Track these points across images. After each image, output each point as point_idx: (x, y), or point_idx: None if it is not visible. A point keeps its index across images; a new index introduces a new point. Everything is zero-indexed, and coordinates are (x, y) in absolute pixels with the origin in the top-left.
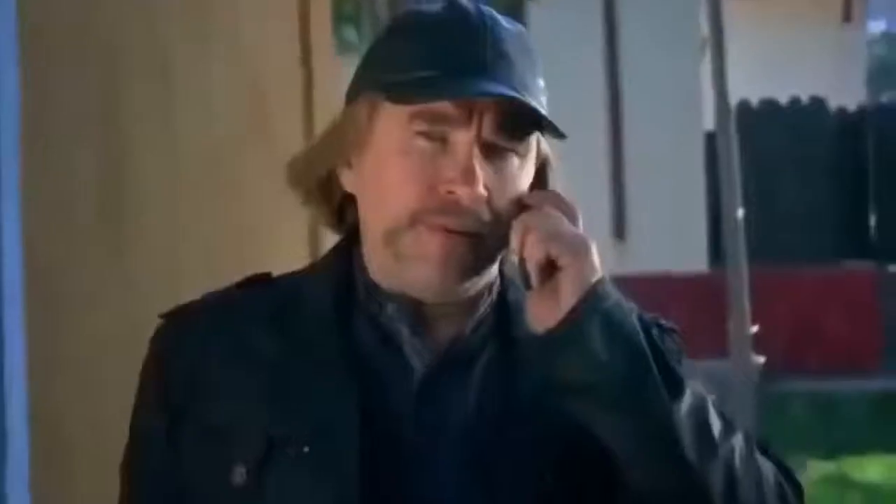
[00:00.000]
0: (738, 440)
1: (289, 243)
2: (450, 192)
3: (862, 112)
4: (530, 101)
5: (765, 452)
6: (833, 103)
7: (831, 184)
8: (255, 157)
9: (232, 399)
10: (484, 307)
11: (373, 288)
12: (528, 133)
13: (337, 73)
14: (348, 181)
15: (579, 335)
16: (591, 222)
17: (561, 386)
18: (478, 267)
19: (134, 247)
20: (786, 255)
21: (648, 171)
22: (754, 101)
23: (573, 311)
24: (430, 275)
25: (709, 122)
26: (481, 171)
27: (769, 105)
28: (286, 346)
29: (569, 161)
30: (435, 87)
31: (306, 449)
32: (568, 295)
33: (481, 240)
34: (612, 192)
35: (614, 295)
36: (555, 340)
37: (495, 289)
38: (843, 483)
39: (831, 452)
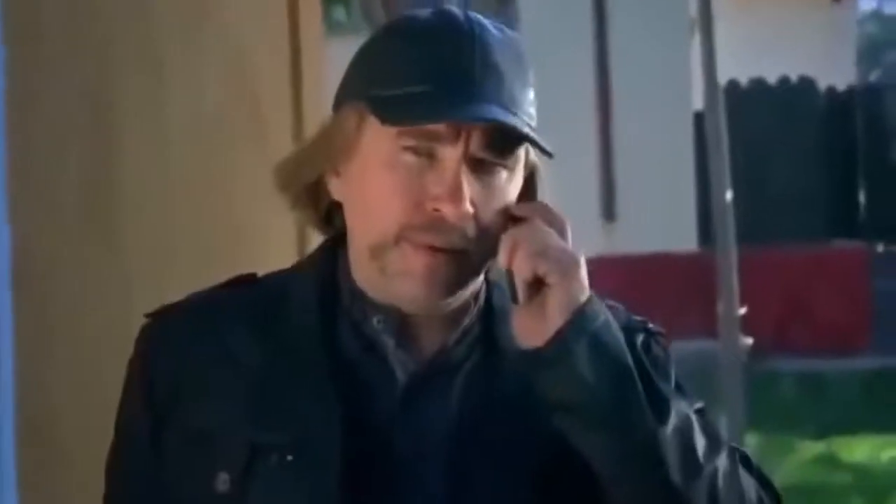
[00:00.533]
0: (721, 459)
1: (279, 237)
2: (436, 210)
3: (851, 91)
4: (518, 125)
5: (746, 465)
6: (823, 83)
7: (821, 163)
8: (246, 153)
9: (216, 404)
10: (469, 316)
11: (358, 295)
12: (516, 147)
13: (325, 55)
14: (335, 189)
15: (566, 356)
16: (581, 203)
17: (546, 403)
18: (462, 281)
19: (124, 244)
20: (775, 235)
21: (638, 151)
22: (744, 81)
23: (560, 331)
24: (415, 292)
25: (698, 103)
26: (468, 187)
27: (758, 85)
28: (270, 351)
29: (558, 142)
30: (424, 107)
31: (290, 457)
32: (555, 314)
33: (467, 255)
34: (601, 173)
35: (602, 314)
36: (541, 359)
37: (481, 296)
38: (832, 463)
39: (821, 432)
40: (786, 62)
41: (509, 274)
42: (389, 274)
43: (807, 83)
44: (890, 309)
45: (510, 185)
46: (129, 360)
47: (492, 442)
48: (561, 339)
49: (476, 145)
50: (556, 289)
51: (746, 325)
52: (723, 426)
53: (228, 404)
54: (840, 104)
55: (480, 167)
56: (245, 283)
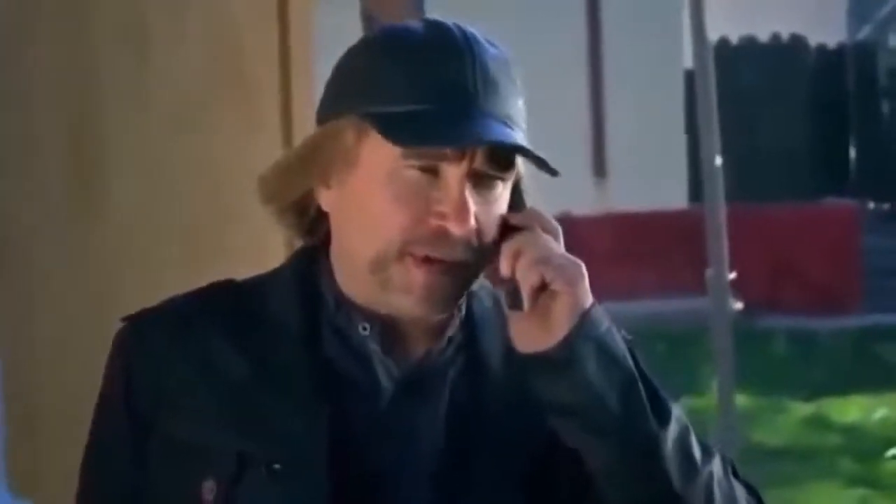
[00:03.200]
0: (716, 464)
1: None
2: (439, 225)
3: (842, 49)
4: (520, 142)
5: (734, 474)
6: (813, 40)
7: (811, 121)
8: (232, 126)
9: (200, 414)
10: (453, 324)
11: (343, 303)
12: (514, 160)
13: (314, 26)
14: (326, 200)
15: (574, 361)
16: (572, 159)
17: (547, 406)
18: (461, 293)
19: (108, 219)
20: (766, 193)
21: (628, 108)
22: (734, 38)
23: (568, 336)
24: (415, 307)
25: (688, 60)
26: (472, 203)
27: (749, 42)
28: (252, 359)
29: (550, 98)
30: (432, 129)
31: (277, 466)
32: (562, 320)
33: (467, 266)
34: (592, 130)
35: (605, 321)
36: (548, 364)
37: (463, 305)
38: (823, 424)
39: (811, 392)
40: (777, 20)
41: (507, 283)
42: (391, 289)
43: (798, 40)
44: (880, 267)
45: (505, 193)
46: (106, 364)
47: (478, 448)
48: (568, 344)
49: (479, 161)
50: (563, 295)
51: (737, 284)
52: (714, 387)
53: (212, 414)
54: (831, 61)
55: (481, 181)
56: (224, 290)
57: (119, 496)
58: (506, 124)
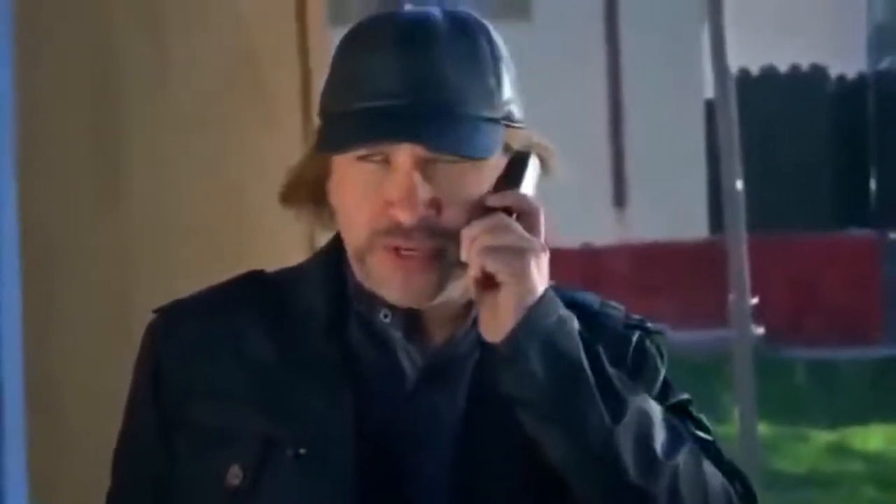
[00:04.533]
0: (683, 454)
1: (284, 212)
2: (393, 215)
3: (862, 79)
4: (441, 144)
5: (717, 457)
6: (833, 70)
7: (832, 151)
8: (251, 125)
9: (227, 400)
10: (475, 311)
11: (362, 291)
12: (472, 143)
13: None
14: (331, 197)
15: (518, 355)
16: (592, 190)
17: (508, 397)
18: (444, 280)
19: (128, 203)
20: (787, 223)
21: (649, 138)
22: (754, 68)
23: (513, 331)
24: (398, 296)
25: (709, 91)
26: (422, 189)
27: (769, 72)
28: (280, 346)
29: (569, 129)
30: (350, 132)
31: (303, 451)
32: (507, 313)
33: (442, 252)
34: (612, 160)
35: (555, 313)
36: (499, 356)
37: None
38: (844, 452)
39: (833, 421)
40: (797, 50)
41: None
42: (373, 279)
43: (818, 71)
44: None
45: (478, 175)
46: (137, 355)
47: (499, 434)
48: (514, 339)
49: (425, 147)
50: (506, 288)
51: (758, 313)
52: (735, 415)
53: (240, 399)
54: (851, 92)
55: (436, 165)
56: (252, 280)
57: (148, 486)
58: (445, 110)
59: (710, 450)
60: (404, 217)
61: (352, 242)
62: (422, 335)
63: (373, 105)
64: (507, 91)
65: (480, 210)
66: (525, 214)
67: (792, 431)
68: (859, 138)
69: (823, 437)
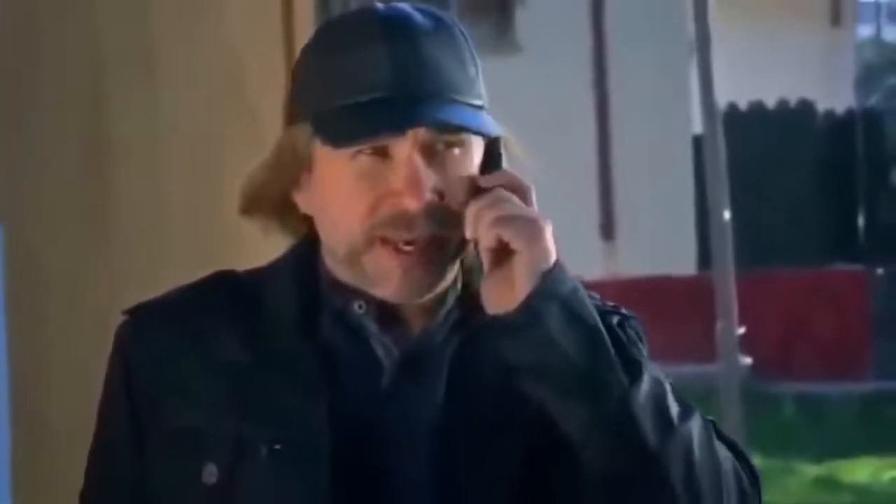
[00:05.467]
0: (695, 424)
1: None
2: (398, 204)
3: (850, 115)
4: (451, 118)
5: (720, 438)
6: (821, 106)
7: (820, 186)
8: (239, 151)
9: (200, 400)
10: (449, 301)
11: (337, 284)
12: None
13: None
14: (301, 203)
15: (536, 320)
16: (580, 223)
17: (517, 369)
18: (443, 269)
19: (117, 240)
20: (775, 258)
21: (637, 173)
22: (742, 103)
23: (529, 296)
24: (396, 294)
25: (697, 125)
26: (426, 176)
27: (757, 107)
28: (252, 344)
29: (558, 162)
30: (359, 123)
31: (278, 447)
32: (523, 280)
33: (445, 241)
34: (600, 194)
35: (570, 280)
36: (511, 324)
37: (458, 280)
38: (833, 485)
39: (821, 455)
40: (785, 85)
41: (476, 244)
42: (369, 280)
43: (806, 106)
44: (889, 332)
45: (467, 158)
46: (108, 358)
47: (477, 424)
48: (530, 304)
49: (425, 134)
50: (522, 254)
51: (746, 347)
52: None
53: (213, 399)
54: (839, 127)
55: (434, 152)
56: (223, 279)
57: (122, 488)
58: (441, 95)
59: (713, 426)
60: (412, 204)
61: (343, 241)
62: (396, 326)
63: (370, 97)
64: (482, 82)
65: (474, 192)
66: (518, 191)
67: (780, 464)
68: (847, 173)
69: (812, 470)
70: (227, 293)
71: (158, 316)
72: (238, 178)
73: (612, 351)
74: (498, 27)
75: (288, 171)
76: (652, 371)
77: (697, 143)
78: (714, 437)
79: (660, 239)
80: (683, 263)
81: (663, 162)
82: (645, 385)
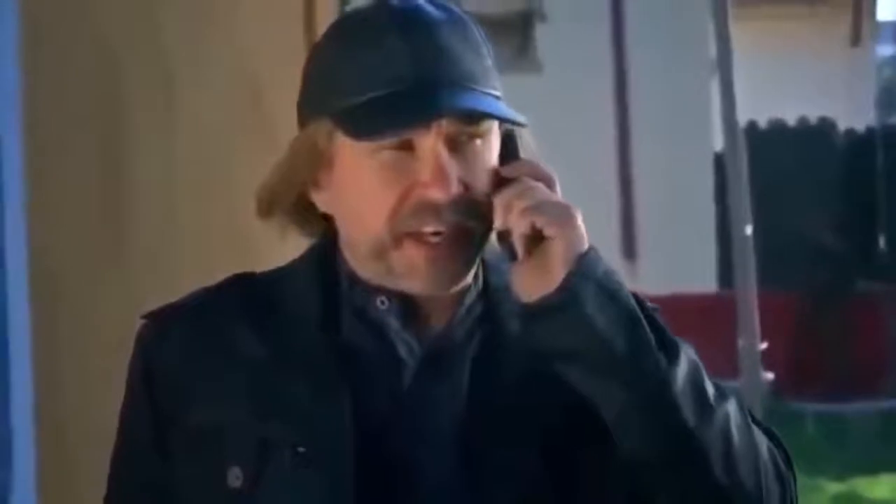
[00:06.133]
0: (732, 405)
1: (285, 244)
2: (425, 196)
3: (871, 133)
4: (479, 105)
5: (755, 423)
6: (842, 124)
7: (840, 204)
8: (254, 162)
9: (222, 403)
10: (470, 296)
11: (358, 282)
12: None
13: None
14: (321, 202)
15: (574, 302)
16: (601, 242)
17: (553, 354)
18: (470, 260)
19: (133, 246)
20: (795, 276)
21: (658, 191)
22: (763, 122)
23: (566, 279)
24: (424, 287)
25: (718, 143)
26: (451, 167)
27: (778, 126)
28: (272, 345)
29: (578, 180)
30: (388, 116)
31: (301, 449)
32: (558, 264)
33: (467, 232)
34: (621, 212)
35: (603, 264)
36: (548, 307)
37: (480, 276)
38: (854, 502)
39: (842, 472)
40: (805, 105)
41: (504, 235)
42: (396, 274)
43: (826, 124)
44: None
45: (487, 148)
46: (129, 362)
47: (501, 419)
48: (567, 287)
49: (449, 124)
50: (557, 240)
51: (768, 364)
52: None
53: (235, 401)
54: (860, 146)
55: (458, 143)
56: (243, 281)
57: (145, 492)
58: (462, 85)
59: (743, 403)
60: (440, 195)
61: (368, 237)
62: (417, 323)
63: (391, 90)
64: (497, 73)
65: (496, 183)
66: (543, 180)
67: (802, 481)
68: (868, 191)
69: (833, 487)
70: (246, 294)
71: (178, 318)
72: (252, 185)
73: (649, 331)
74: (519, 46)
75: (306, 170)
76: (688, 352)
77: (718, 161)
78: (750, 419)
79: (681, 256)
80: (705, 282)
81: (684, 180)
82: (683, 365)
